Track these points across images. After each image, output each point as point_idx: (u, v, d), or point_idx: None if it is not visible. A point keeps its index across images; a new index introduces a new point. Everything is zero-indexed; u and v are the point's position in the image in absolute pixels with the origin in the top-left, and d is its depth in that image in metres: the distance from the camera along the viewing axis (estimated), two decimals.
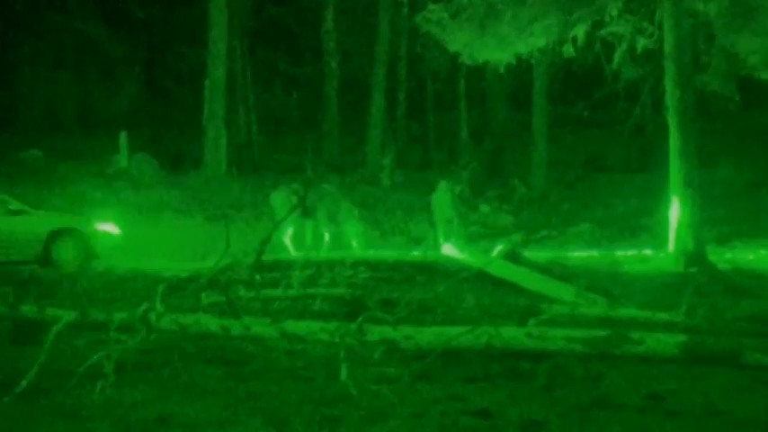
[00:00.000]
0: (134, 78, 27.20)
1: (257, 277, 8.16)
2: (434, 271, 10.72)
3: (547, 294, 9.09)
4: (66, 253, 11.74)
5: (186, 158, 21.89)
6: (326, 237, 13.04)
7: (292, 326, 6.44)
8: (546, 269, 10.63)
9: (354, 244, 13.15)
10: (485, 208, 19.21)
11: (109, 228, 12.31)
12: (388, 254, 12.49)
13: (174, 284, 7.15)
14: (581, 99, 23.08)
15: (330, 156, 23.36)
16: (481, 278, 9.88)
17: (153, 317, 6.20)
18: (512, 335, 6.04)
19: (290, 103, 28.80)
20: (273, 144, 25.14)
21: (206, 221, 15.58)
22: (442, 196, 13.71)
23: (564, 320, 7.20)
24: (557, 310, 7.67)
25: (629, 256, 13.42)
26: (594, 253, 14.07)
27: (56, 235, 11.72)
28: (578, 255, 13.71)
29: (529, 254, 11.67)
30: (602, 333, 5.98)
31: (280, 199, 13.07)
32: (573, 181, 22.20)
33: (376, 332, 6.12)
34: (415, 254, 12.79)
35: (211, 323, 6.53)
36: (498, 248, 11.58)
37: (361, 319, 6.12)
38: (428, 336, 6.08)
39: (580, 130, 26.22)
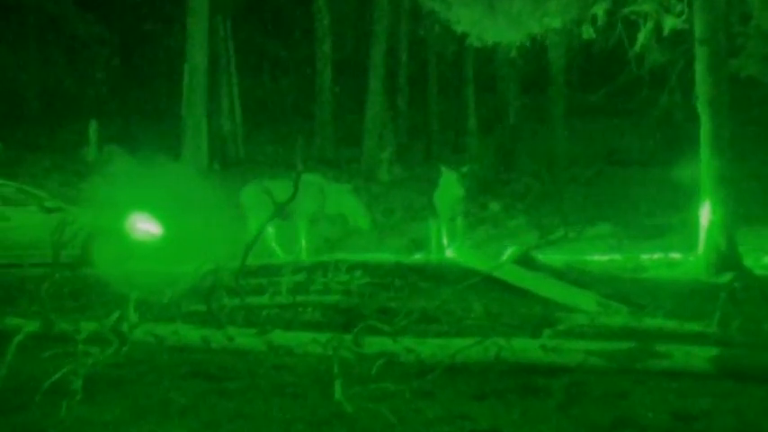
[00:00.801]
0: (105, 62, 27.17)
1: (242, 283, 8.15)
2: (438, 276, 10.73)
3: (563, 302, 9.11)
4: (104, 254, 11.97)
5: (163, 151, 21.88)
6: (303, 242, 13.03)
7: (281, 337, 6.45)
8: (562, 274, 10.63)
9: (362, 224, 13.12)
10: (494, 206, 19.22)
11: (149, 226, 12.57)
12: (387, 257, 12.49)
13: (151, 292, 7.16)
14: (601, 86, 23.07)
15: (323, 148, 23.37)
16: (490, 284, 9.89)
17: (126, 327, 6.19)
18: (524, 347, 6.05)
19: (278, 90, 28.78)
20: (260, 135, 25.14)
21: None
22: (447, 187, 13.69)
23: (582, 331, 7.22)
24: (574, 320, 7.69)
25: (655, 260, 13.43)
26: (616, 256, 14.08)
27: (94, 234, 11.96)
28: (598, 258, 13.72)
29: (543, 257, 11.68)
30: (624, 345, 5.99)
31: (250, 195, 13.04)
32: (593, 176, 22.20)
33: (374, 344, 6.12)
34: (417, 257, 12.78)
35: (191, 334, 6.53)
36: (509, 251, 11.58)
37: (357, 329, 6.12)
38: (431, 348, 6.09)
39: (601, 119, 26.23)
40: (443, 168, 13.91)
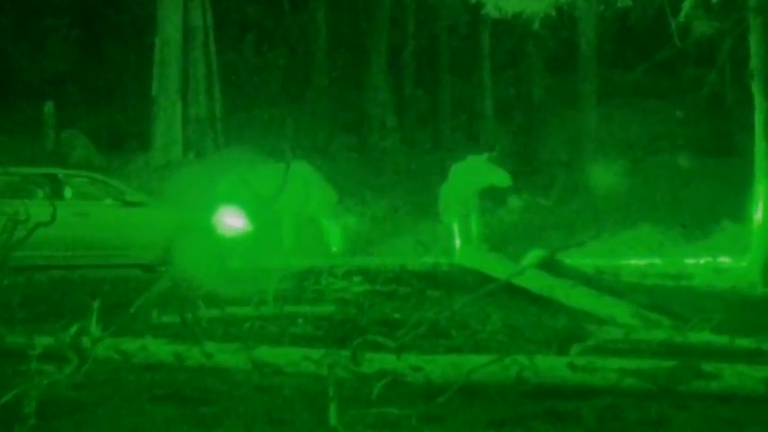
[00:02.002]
0: (62, 35, 27.17)
1: (223, 291, 8.16)
2: (450, 283, 10.75)
3: (595, 313, 9.11)
4: (188, 253, 12.18)
5: (131, 138, 21.92)
6: (287, 241, 13.12)
7: (267, 353, 6.45)
8: (593, 281, 10.64)
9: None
10: (515, 202, 19.22)
11: (236, 222, 12.84)
12: (390, 261, 12.51)
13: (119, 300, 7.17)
14: (639, 62, 23.04)
15: (316, 135, 23.38)
16: (510, 292, 9.90)
17: (87, 342, 6.19)
18: (550, 366, 6.05)
19: (264, 66, 28.75)
20: (243, 120, 25.14)
21: None
22: (463, 178, 13.73)
23: (616, 347, 7.22)
24: (607, 334, 7.70)
25: (701, 266, 13.44)
26: (656, 261, 14.11)
27: (179, 231, 12.32)
28: (635, 263, 13.75)
29: (571, 261, 11.68)
30: (665, 364, 5.99)
31: (223, 189, 13.14)
32: (629, 167, 22.17)
33: (375, 362, 6.12)
34: (425, 261, 12.78)
35: (163, 350, 6.53)
36: (532, 254, 11.59)
37: (355, 344, 6.11)
38: (442, 366, 6.09)
39: (639, 102, 26.23)
40: (456, 166, 13.99)
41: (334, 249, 13.47)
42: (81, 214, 12.07)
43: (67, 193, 12.48)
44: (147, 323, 7.38)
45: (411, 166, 21.78)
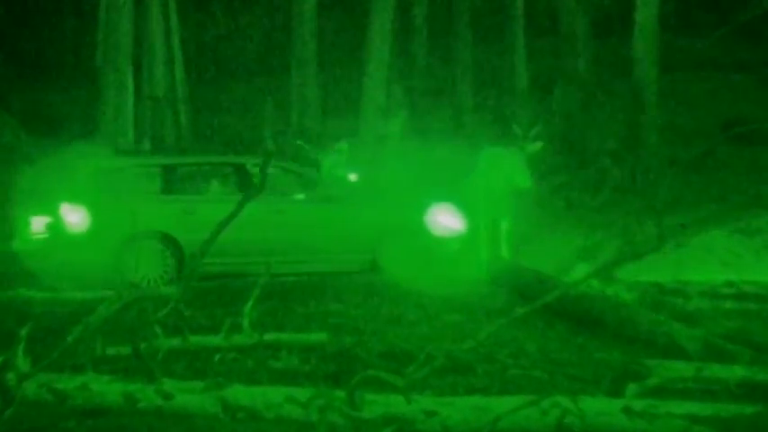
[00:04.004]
0: None
1: (186, 313, 8.15)
2: (473, 304, 10.73)
3: (657, 344, 9.09)
4: (396, 256, 13.04)
5: (69, 122, 21.96)
6: None
7: (241, 394, 6.44)
8: (655, 302, 10.61)
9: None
10: (555, 202, 19.21)
11: (451, 221, 13.59)
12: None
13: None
14: (712, 29, 23.05)
15: (303, 117, 23.40)
16: (550, 316, 9.90)
17: (12, 379, 6.18)
18: (600, 410, 6.05)
19: (236, 31, 28.80)
20: (212, 99, 25.21)
21: None
22: (493, 172, 13.81)
23: (685, 387, 7.20)
24: (673, 371, 7.67)
25: None
26: (733, 276, 14.05)
27: (385, 233, 13.15)
28: (707, 279, 13.70)
29: (627, 276, 11.65)
30: (746, 409, 5.96)
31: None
32: (700, 158, 22.15)
33: (377, 404, 6.12)
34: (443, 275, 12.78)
35: (109, 389, 6.52)
36: (578, 267, 11.58)
37: (353, 382, 6.10)
38: (462, 411, 6.08)
39: (712, 76, 26.21)
40: (487, 150, 14.04)
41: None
42: (278, 211, 12.68)
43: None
44: (90, 355, 7.36)
45: (422, 155, 21.76)
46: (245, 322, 8.65)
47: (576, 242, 16.83)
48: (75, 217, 12.44)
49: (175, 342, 8.11)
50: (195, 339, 8.32)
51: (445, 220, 13.57)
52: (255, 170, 12.87)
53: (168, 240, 12.47)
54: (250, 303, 8.69)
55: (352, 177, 17.66)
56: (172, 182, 13.08)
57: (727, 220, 17.94)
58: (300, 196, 13.26)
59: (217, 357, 8.12)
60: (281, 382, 7.20)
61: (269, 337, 8.54)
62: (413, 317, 10.11)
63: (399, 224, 13.28)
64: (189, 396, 6.46)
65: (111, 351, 7.62)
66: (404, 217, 13.44)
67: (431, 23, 25.98)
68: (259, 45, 27.86)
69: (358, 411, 6.06)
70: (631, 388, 7.13)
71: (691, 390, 7.32)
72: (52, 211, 12.56)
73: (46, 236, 12.65)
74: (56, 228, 12.52)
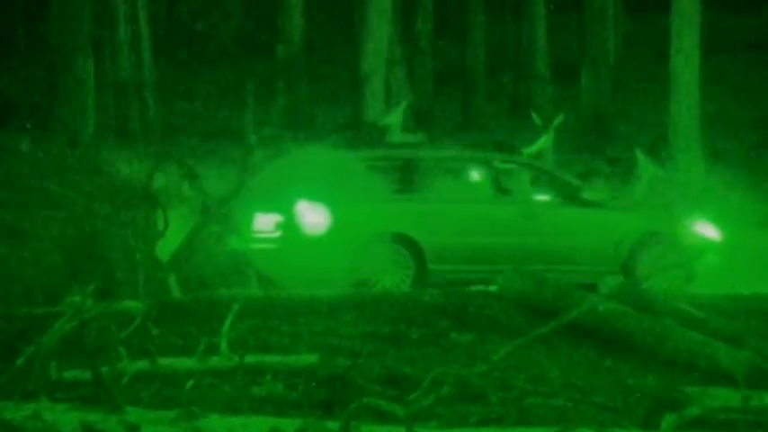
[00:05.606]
0: None
1: (154, 332, 8.16)
2: (485, 321, 10.74)
3: (697, 367, 9.11)
4: (653, 264, 13.84)
5: (20, 111, 21.95)
6: None
7: (217, 424, 6.47)
8: (695, 319, 10.61)
9: None
10: None
11: (708, 231, 14.56)
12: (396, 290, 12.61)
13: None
14: (759, 5, 23.08)
15: (290, 105, 23.42)
16: (575, 336, 9.92)
17: None
18: None
19: (215, 5, 28.85)
20: (185, 86, 25.23)
21: None
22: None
23: (730, 419, 7.21)
24: (716, 400, 7.68)
25: None
26: None
27: (644, 240, 14.06)
28: (759, 292, 13.71)
29: (663, 286, 11.66)
30: None
31: (161, 185, 13.41)
32: (747, 152, 22.19)
33: None
34: (449, 289, 12.79)
35: (65, 419, 6.54)
36: (607, 280, 11.58)
37: (347, 411, 6.13)
38: None
39: (760, 59, 26.22)
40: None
41: None
42: (527, 215, 13.52)
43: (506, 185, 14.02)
44: (44, 380, 7.38)
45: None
46: (223, 343, 8.68)
47: None
48: (314, 216, 13.04)
49: (142, 365, 8.14)
50: (165, 362, 8.34)
51: (704, 229, 14.49)
52: (503, 167, 13.81)
53: (409, 243, 13.07)
54: (229, 320, 8.71)
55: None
56: (412, 179, 13.74)
57: None
58: (556, 200, 14.00)
59: (190, 383, 8.13)
60: (264, 411, 7.22)
61: (250, 359, 8.54)
62: (416, 335, 10.11)
63: (655, 231, 14.27)
64: (157, 428, 6.49)
65: (68, 375, 7.64)
66: (661, 224, 14.49)
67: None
68: (237, 23, 27.89)
69: None
70: (669, 419, 7.14)
71: (736, 421, 7.34)
72: (284, 208, 13.08)
73: (277, 235, 13.18)
74: (290, 227, 13.05)
